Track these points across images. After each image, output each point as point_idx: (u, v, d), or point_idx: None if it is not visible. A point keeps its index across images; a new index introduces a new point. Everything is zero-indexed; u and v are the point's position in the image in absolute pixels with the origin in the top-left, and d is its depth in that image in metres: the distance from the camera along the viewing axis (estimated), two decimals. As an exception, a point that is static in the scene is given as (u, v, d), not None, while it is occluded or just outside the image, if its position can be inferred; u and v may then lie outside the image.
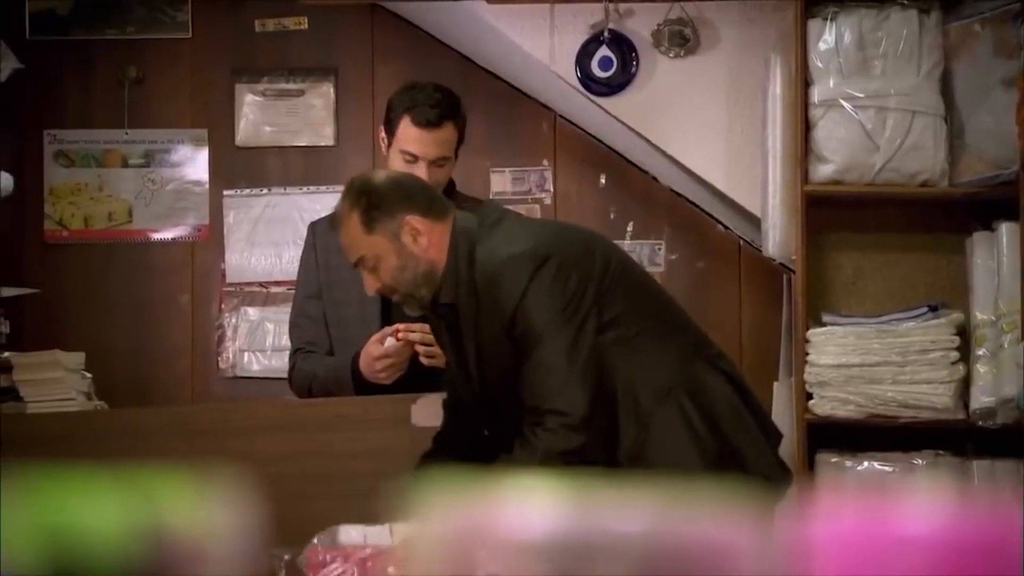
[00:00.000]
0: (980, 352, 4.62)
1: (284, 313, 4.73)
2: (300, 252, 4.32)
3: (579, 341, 3.31)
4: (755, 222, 5.06)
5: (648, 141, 5.19)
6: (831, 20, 4.72)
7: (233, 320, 5.68)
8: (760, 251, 5.04)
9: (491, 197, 5.45)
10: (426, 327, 3.76)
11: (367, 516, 2.90)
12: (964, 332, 4.66)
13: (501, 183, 5.63)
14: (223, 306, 5.69)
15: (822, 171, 4.73)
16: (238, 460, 2.18)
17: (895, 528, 0.91)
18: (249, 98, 5.70)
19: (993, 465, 4.68)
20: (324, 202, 5.41)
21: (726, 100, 5.12)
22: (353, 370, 3.95)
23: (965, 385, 4.64)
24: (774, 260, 4.98)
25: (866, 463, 4.71)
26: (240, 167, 5.71)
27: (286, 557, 2.84)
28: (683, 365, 3.42)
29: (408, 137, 4.03)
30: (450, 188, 4.08)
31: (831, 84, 4.71)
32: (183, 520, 0.90)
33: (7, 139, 5.68)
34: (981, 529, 0.91)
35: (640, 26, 5.15)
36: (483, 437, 3.57)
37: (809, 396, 4.71)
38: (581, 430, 3.28)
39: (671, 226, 5.58)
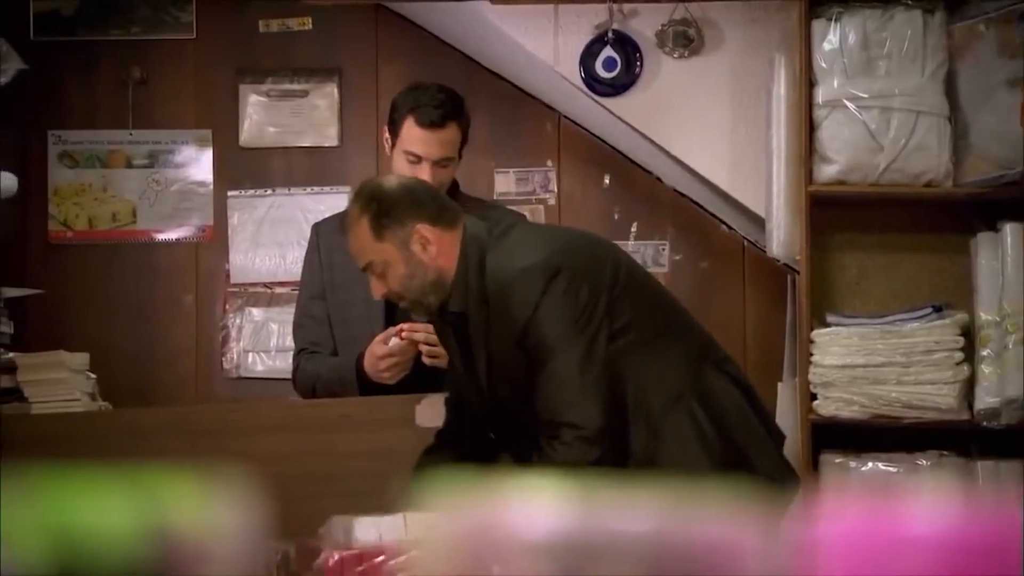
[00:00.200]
0: (984, 353, 4.61)
1: (288, 313, 4.72)
2: (304, 253, 4.32)
3: (592, 353, 3.30)
4: (759, 222, 5.05)
5: (652, 141, 5.19)
6: (835, 20, 4.72)
7: (237, 321, 5.67)
8: (764, 251, 5.03)
9: (495, 198, 5.45)
10: (430, 327, 3.76)
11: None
12: (968, 333, 4.66)
13: (505, 184, 5.62)
14: (227, 307, 5.68)
15: (826, 171, 4.73)
16: (242, 460, 2.18)
17: (899, 528, 0.91)
18: (253, 99, 5.70)
19: (997, 466, 4.67)
20: (328, 203, 5.41)
21: (730, 100, 5.12)
22: (357, 370, 3.94)
23: (969, 386, 4.64)
24: (778, 260, 4.97)
25: (870, 464, 4.71)
26: (244, 168, 5.70)
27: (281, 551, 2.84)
28: (692, 370, 3.42)
29: (412, 137, 4.03)
30: (454, 189, 4.08)
31: (835, 84, 4.71)
32: (187, 520, 0.90)
33: (11, 139, 5.68)
34: (985, 530, 0.91)
35: (644, 26, 5.15)
36: (487, 437, 3.57)
37: (813, 396, 4.71)
38: (597, 443, 3.26)
39: (675, 226, 5.57)
